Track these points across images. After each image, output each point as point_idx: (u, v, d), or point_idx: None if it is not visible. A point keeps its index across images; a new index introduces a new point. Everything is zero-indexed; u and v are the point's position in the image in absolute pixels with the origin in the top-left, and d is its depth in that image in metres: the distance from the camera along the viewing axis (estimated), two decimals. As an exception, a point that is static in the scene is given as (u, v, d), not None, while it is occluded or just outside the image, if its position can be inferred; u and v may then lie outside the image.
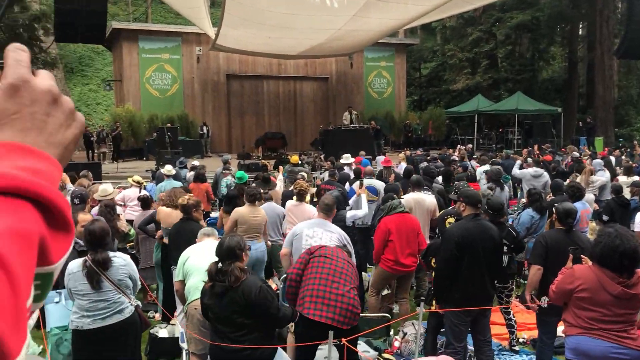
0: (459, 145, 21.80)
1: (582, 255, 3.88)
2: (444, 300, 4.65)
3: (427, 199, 6.99)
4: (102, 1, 13.75)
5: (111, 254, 4.02)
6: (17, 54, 0.63)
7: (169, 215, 6.04)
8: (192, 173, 11.19)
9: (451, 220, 5.22)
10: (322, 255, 4.31)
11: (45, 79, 0.64)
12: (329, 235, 5.00)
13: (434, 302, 4.87)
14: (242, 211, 6.47)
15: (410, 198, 6.84)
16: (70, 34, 14.08)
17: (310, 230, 5.07)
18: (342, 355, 3.93)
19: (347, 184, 9.68)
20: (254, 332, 3.63)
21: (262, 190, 7.73)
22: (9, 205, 0.54)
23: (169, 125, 19.85)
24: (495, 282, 5.40)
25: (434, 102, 35.15)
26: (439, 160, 13.98)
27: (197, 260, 4.40)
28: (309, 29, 17.49)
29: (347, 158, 12.23)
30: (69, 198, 6.73)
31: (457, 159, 13.26)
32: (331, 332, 3.45)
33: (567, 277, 3.62)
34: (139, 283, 4.26)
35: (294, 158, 13.17)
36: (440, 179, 9.55)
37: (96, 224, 4.03)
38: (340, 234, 5.11)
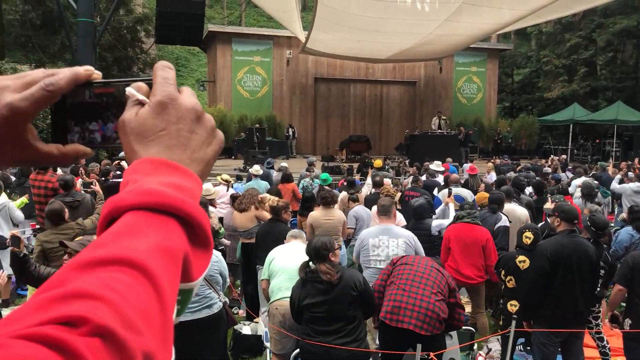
0: (551, 156, 20.89)
1: None
2: (531, 317, 4.47)
3: (519, 209, 6.76)
4: (201, 5, 14.32)
5: None
6: (165, 71, 0.66)
7: (235, 218, 6.24)
8: (278, 173, 11.43)
9: (529, 235, 4.98)
10: (403, 263, 4.35)
11: (190, 97, 0.66)
12: (395, 242, 4.97)
13: (501, 317, 4.72)
14: (315, 215, 6.55)
15: (509, 209, 6.69)
16: (169, 36, 14.77)
17: (376, 240, 5.05)
18: None
19: (436, 191, 9.52)
20: (360, 323, 3.81)
21: (350, 193, 7.77)
22: (157, 222, 0.55)
23: (257, 125, 20.40)
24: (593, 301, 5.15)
25: (526, 109, 33.85)
26: (531, 171, 13.45)
27: (283, 261, 4.50)
28: (398, 32, 17.38)
29: (437, 165, 11.97)
30: None
31: (549, 170, 12.67)
32: (419, 346, 3.40)
33: None
34: (228, 280, 4.40)
35: (378, 162, 13.12)
36: (528, 190, 9.19)
37: None
38: (407, 237, 5.05)
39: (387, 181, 9.10)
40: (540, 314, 4.37)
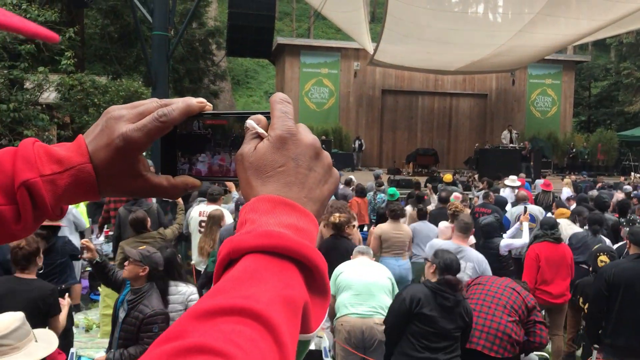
0: (632, 173, 19.76)
1: None
2: (596, 343, 4.20)
3: (569, 230, 6.48)
4: (271, 18, 14.54)
5: None
6: (284, 105, 0.65)
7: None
8: (343, 186, 11.34)
9: (604, 257, 4.68)
10: (477, 283, 4.28)
11: (308, 133, 0.64)
12: (464, 265, 4.69)
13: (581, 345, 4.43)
14: (385, 228, 6.47)
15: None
16: (240, 49, 15.09)
17: None
18: None
19: (509, 207, 9.13)
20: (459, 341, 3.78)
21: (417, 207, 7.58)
22: (278, 267, 0.52)
23: (324, 137, 20.45)
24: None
25: (603, 124, 32.31)
26: (612, 189, 12.68)
27: (350, 277, 4.39)
28: (469, 44, 17.01)
29: (512, 180, 11.49)
30: (233, 205, 7.11)
31: (629, 188, 11.94)
32: None
33: None
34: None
35: (447, 177, 12.79)
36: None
37: None
38: (477, 263, 4.81)
39: (457, 195, 8.81)
40: (603, 341, 4.10)
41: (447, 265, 3.71)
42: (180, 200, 6.73)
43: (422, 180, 15.07)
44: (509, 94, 24.97)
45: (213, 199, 6.72)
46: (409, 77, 23.85)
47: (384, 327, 3.89)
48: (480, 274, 4.74)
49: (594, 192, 10.62)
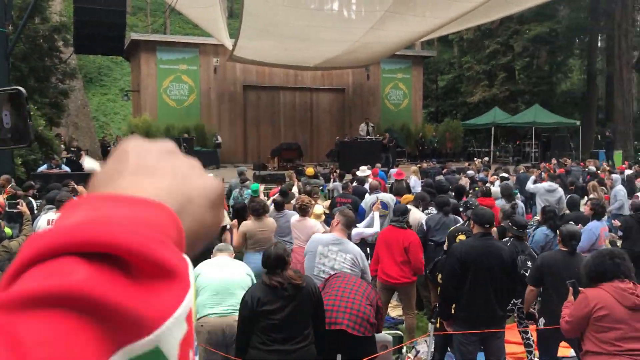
0: (475, 158, 21.68)
1: (580, 288, 3.77)
2: (450, 318, 4.61)
3: (417, 213, 7.02)
4: (121, 13, 13.93)
5: None
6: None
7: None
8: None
9: (462, 237, 5.15)
10: (336, 276, 4.53)
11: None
12: (343, 257, 4.85)
13: (438, 320, 4.84)
14: (249, 225, 6.49)
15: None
16: (89, 46, 14.29)
17: (325, 249, 4.94)
18: None
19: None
20: (310, 329, 3.85)
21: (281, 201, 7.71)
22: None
23: (186, 135, 20.00)
24: (514, 301, 5.33)
25: (450, 114, 35.02)
26: (455, 174, 13.87)
27: (208, 277, 4.39)
28: (326, 40, 17.54)
29: (363, 170, 12.07)
30: None
31: (472, 172, 13.12)
32: (339, 356, 3.41)
33: (580, 302, 3.53)
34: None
35: (309, 170, 13.13)
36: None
37: None
38: (355, 255, 4.92)
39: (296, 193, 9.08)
40: (457, 315, 4.50)
41: (279, 258, 3.78)
42: (26, 210, 6.28)
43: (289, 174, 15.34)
44: (365, 88, 26.15)
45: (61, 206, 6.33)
46: (270, 72, 24.06)
47: None
48: (360, 267, 4.90)
49: (441, 178, 11.53)
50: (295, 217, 6.86)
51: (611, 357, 3.39)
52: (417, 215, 7.12)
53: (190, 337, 0.46)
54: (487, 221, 4.56)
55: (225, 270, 4.38)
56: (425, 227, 6.81)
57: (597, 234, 6.31)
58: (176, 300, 0.45)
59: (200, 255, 4.61)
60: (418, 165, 16.38)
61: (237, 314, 3.98)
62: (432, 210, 7.70)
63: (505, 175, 12.22)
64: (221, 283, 4.33)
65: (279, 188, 9.51)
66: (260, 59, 20.08)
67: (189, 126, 22.14)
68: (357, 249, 5.07)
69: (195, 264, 4.56)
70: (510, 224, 5.55)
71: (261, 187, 10.50)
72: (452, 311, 4.61)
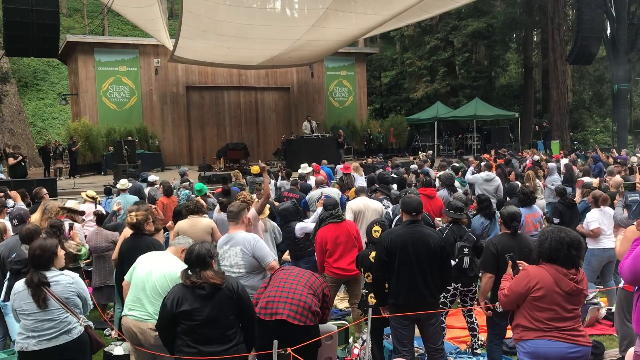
0: (419, 152, 22.09)
1: (518, 262, 3.88)
2: (385, 304, 4.68)
3: (373, 203, 7.12)
4: (54, 14, 13.47)
5: (57, 272, 3.89)
6: None
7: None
8: (150, 188, 11.02)
9: (377, 228, 5.23)
10: (280, 269, 4.55)
11: None
12: (234, 251, 4.86)
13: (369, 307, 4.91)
14: (182, 225, 6.40)
15: (360, 202, 7.03)
16: (21, 48, 13.75)
17: (222, 251, 4.93)
18: None
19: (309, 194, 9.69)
20: (237, 328, 3.76)
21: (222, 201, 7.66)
22: None
23: (129, 138, 19.54)
24: (455, 286, 5.45)
25: (395, 110, 35.56)
26: (400, 167, 14.11)
27: (138, 275, 4.30)
28: (268, 39, 17.46)
29: (304, 168, 12.19)
30: (7, 218, 6.46)
31: (415, 166, 13.38)
32: (275, 342, 3.40)
33: (521, 278, 3.61)
34: (90, 302, 4.13)
35: (254, 168, 13.04)
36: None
37: (35, 243, 3.93)
38: (244, 244, 4.84)
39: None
40: (389, 301, 4.59)
41: (200, 258, 3.73)
42: None
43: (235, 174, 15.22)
44: (310, 86, 26.23)
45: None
46: (213, 72, 23.80)
47: None
48: (250, 253, 4.82)
49: (381, 170, 11.73)
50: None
51: (541, 333, 3.53)
52: (373, 205, 7.17)
53: None
54: (413, 209, 4.59)
55: (156, 269, 4.26)
56: (392, 216, 6.95)
57: (522, 219, 6.52)
58: None
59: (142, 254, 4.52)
60: (364, 161, 16.56)
61: (154, 320, 3.93)
62: (387, 202, 7.91)
63: (457, 165, 12.62)
64: (146, 284, 4.22)
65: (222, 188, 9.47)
66: (202, 58, 19.82)
67: (131, 129, 21.65)
68: (245, 236, 4.94)
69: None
70: (447, 208, 5.67)
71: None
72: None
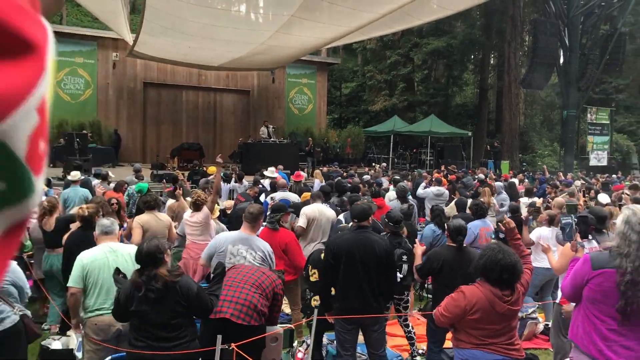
0: (374, 164, 22.39)
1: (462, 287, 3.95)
2: (330, 308, 4.75)
3: (328, 211, 7.21)
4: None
5: None
6: None
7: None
8: (98, 181, 10.82)
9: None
10: (233, 268, 4.53)
11: None
12: (253, 255, 4.81)
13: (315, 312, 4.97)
14: (144, 218, 6.35)
15: (315, 208, 7.11)
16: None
17: (235, 248, 4.87)
18: None
19: (263, 197, 9.74)
20: (188, 328, 3.72)
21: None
22: None
23: (84, 132, 19.05)
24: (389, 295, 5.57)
25: (353, 121, 35.93)
26: (355, 177, 14.31)
27: (96, 273, 4.24)
28: (231, 41, 17.40)
29: (271, 172, 12.23)
30: None
31: (368, 177, 13.63)
32: (219, 337, 3.41)
33: (457, 300, 3.68)
34: (28, 291, 4.03)
35: (211, 169, 13.00)
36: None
37: None
38: (265, 253, 4.90)
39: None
40: (335, 305, 4.67)
41: (151, 255, 3.69)
42: None
43: (186, 174, 15.08)
44: (270, 92, 26.22)
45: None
46: (172, 70, 23.49)
47: None
48: (269, 261, 4.88)
49: (339, 179, 11.91)
50: (187, 213, 6.78)
51: (476, 346, 3.66)
52: (327, 213, 7.22)
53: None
54: (356, 215, 4.75)
55: (114, 261, 4.21)
56: (344, 222, 7.03)
57: (476, 232, 6.78)
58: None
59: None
60: (320, 169, 16.69)
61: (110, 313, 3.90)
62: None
63: (397, 178, 12.84)
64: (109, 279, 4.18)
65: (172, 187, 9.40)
66: (162, 56, 19.55)
67: (84, 122, 21.11)
68: (266, 245, 5.02)
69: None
70: (386, 219, 5.80)
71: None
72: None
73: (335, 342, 4.89)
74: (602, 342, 2.99)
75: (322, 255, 5.05)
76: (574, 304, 3.63)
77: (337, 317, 4.63)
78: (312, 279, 5.11)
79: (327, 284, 4.68)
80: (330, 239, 4.92)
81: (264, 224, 5.92)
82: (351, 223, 4.97)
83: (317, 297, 5.04)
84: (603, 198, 9.61)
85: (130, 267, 4.22)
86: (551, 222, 7.27)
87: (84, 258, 4.31)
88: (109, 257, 4.32)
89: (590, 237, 4.83)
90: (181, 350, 3.61)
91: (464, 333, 3.69)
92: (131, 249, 4.42)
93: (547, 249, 5.27)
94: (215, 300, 3.86)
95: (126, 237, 6.80)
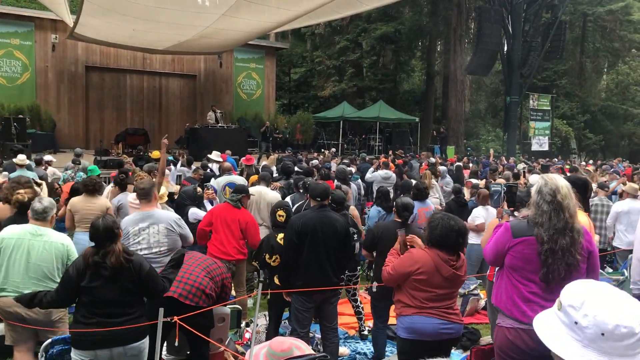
0: (324, 150, 22.48)
1: (410, 236, 4.12)
2: (289, 287, 4.79)
3: (270, 194, 7.21)
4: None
5: None
6: None
7: (2, 210, 5.54)
8: (35, 167, 10.45)
9: (281, 213, 5.36)
10: (186, 254, 4.48)
11: None
12: (156, 228, 4.81)
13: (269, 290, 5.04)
14: (75, 201, 6.22)
15: (256, 190, 7.12)
16: None
17: (136, 228, 4.82)
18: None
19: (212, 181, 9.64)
20: (137, 305, 3.67)
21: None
22: None
23: (21, 116, 18.27)
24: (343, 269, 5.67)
25: (302, 106, 35.88)
26: (303, 162, 14.35)
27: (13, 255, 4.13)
28: (177, 24, 17.00)
29: (216, 155, 12.25)
30: None
31: (316, 162, 13.73)
32: (161, 310, 3.37)
33: (406, 260, 3.83)
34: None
35: (155, 153, 12.75)
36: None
37: None
38: (168, 222, 4.87)
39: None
40: (295, 284, 4.70)
41: (109, 230, 3.61)
42: None
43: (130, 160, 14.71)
44: (217, 76, 25.84)
45: None
46: (116, 54, 22.80)
47: None
48: (177, 232, 4.88)
49: (286, 162, 11.93)
50: (132, 196, 6.63)
51: (418, 310, 3.78)
52: (269, 196, 7.21)
53: None
54: (319, 194, 4.84)
55: (34, 244, 4.10)
56: (291, 205, 7.05)
57: (415, 212, 6.95)
58: None
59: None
60: (275, 155, 16.66)
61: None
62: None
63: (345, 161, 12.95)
64: (23, 261, 4.07)
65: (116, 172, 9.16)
66: (105, 38, 18.93)
67: (23, 106, 20.26)
68: (168, 214, 5.01)
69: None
70: (330, 200, 5.89)
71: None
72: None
73: (289, 320, 4.95)
74: (524, 305, 3.10)
75: (278, 237, 5.08)
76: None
77: (299, 295, 4.66)
78: (273, 264, 5.09)
79: (290, 263, 4.70)
80: (292, 218, 4.94)
81: (226, 198, 5.94)
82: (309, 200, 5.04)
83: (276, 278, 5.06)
84: (532, 179, 10.03)
85: (46, 256, 4.14)
86: (485, 201, 7.58)
87: (4, 232, 4.22)
88: (29, 238, 4.17)
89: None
90: (130, 325, 3.57)
91: (408, 296, 3.80)
92: (61, 239, 4.32)
93: (480, 226, 5.46)
94: (168, 284, 3.80)
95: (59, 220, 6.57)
